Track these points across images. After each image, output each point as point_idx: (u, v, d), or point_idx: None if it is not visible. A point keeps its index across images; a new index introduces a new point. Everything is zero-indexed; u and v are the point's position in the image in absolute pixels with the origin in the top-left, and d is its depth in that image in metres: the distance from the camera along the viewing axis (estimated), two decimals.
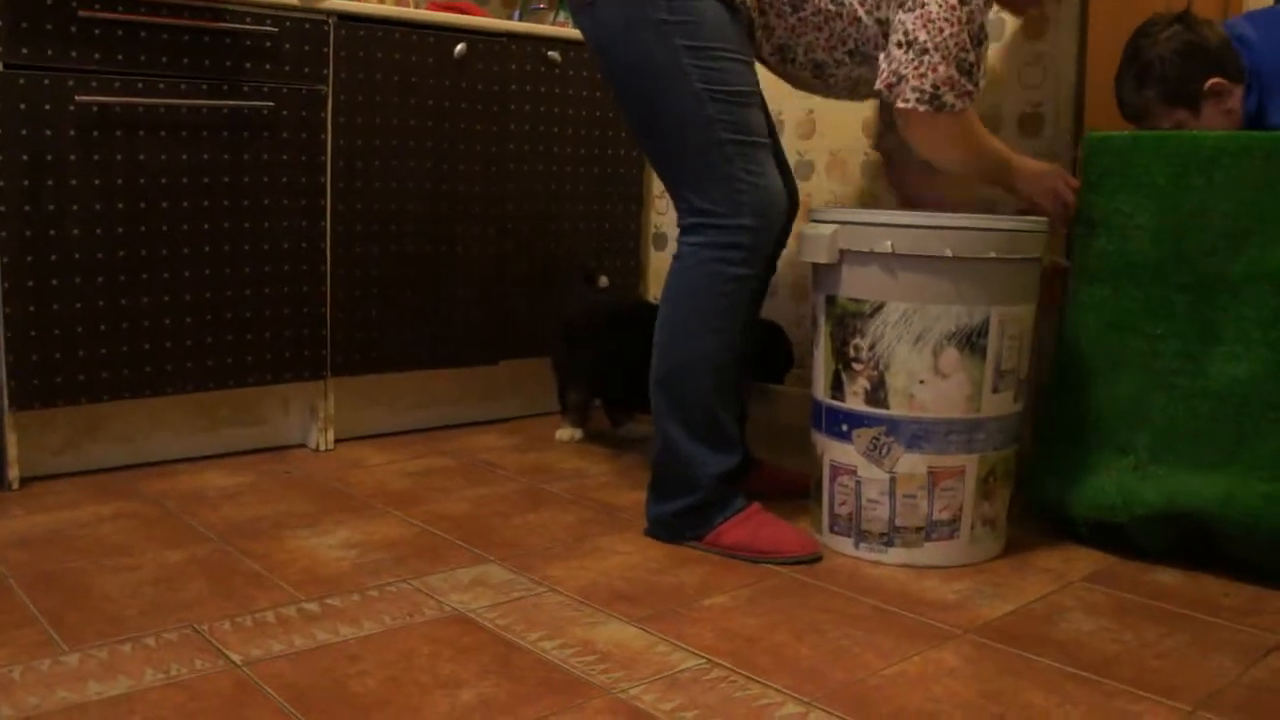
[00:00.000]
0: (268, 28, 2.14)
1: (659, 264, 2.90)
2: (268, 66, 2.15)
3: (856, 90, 1.87)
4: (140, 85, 2.01)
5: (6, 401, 1.96)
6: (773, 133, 1.92)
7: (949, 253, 1.64)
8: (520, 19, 2.82)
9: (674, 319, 1.77)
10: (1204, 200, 1.67)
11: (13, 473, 1.99)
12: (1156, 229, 1.72)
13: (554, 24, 2.83)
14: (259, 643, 1.38)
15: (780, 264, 1.93)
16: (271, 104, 2.16)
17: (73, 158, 1.96)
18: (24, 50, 1.89)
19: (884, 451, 1.71)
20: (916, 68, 1.67)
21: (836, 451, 1.77)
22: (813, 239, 1.73)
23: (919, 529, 1.72)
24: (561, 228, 2.67)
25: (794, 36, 1.78)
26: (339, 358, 2.33)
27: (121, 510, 1.89)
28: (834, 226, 1.71)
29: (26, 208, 1.93)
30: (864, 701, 1.27)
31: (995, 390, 1.70)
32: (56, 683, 1.26)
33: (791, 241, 1.94)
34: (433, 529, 1.85)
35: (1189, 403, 1.70)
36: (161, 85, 2.04)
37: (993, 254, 1.65)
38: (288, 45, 2.17)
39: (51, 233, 1.96)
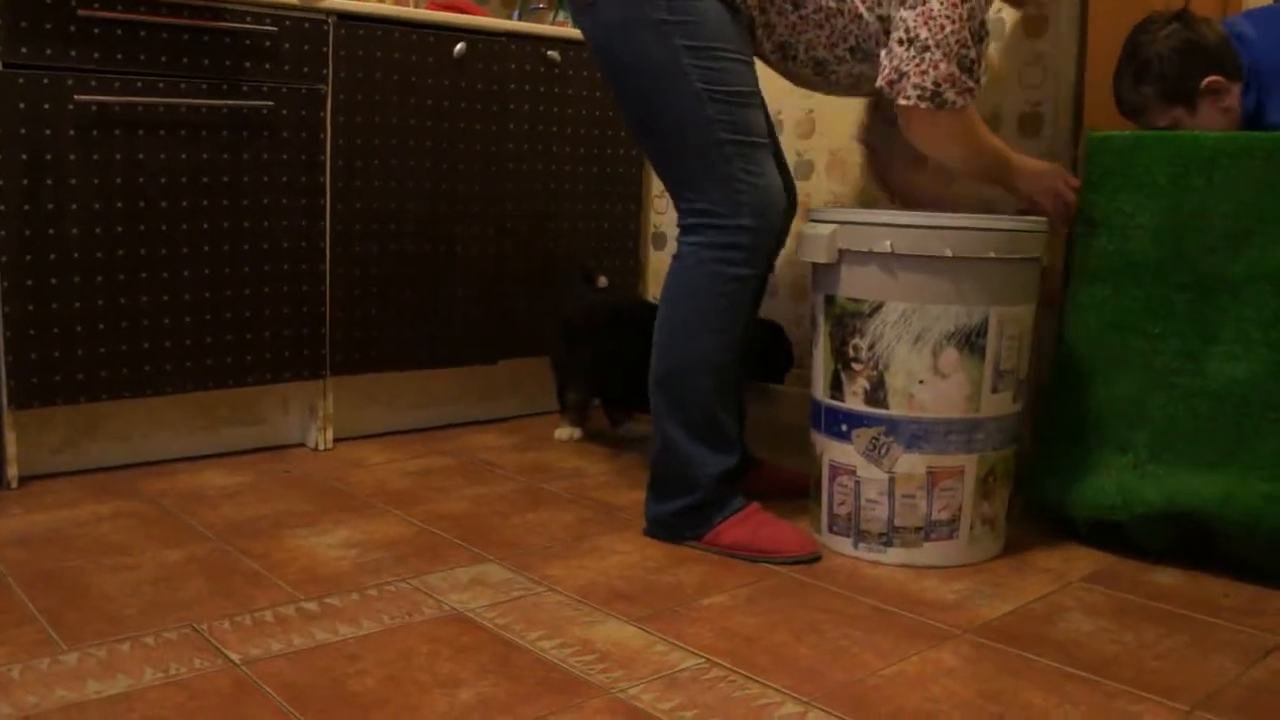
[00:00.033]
0: (267, 27, 2.14)
1: (658, 263, 2.90)
2: (267, 66, 2.15)
3: (858, 87, 1.87)
4: (139, 84, 2.01)
5: (5, 400, 1.96)
6: (771, 133, 1.91)
7: (948, 252, 1.64)
8: (520, 18, 2.82)
9: (673, 319, 1.77)
10: (1204, 200, 1.67)
11: (12, 471, 1.99)
12: (1157, 229, 1.72)
13: (553, 24, 2.83)
14: (258, 642, 1.38)
15: (779, 263, 1.93)
16: (271, 103, 2.16)
17: (72, 157, 1.96)
18: (23, 49, 1.89)
19: (883, 451, 1.71)
20: (918, 65, 1.67)
21: (836, 451, 1.77)
22: (812, 239, 1.73)
23: (918, 529, 1.72)
24: (561, 227, 2.67)
25: (795, 34, 1.78)
26: (338, 357, 2.33)
27: (121, 509, 1.89)
28: (833, 226, 1.71)
29: (26, 207, 1.93)
30: (863, 701, 1.27)
31: (994, 390, 1.70)
32: (55, 681, 1.26)
33: (790, 241, 1.94)
34: (432, 528, 1.85)
35: (1189, 402, 1.70)
36: (161, 85, 2.03)
37: (992, 254, 1.65)
38: (287, 44, 2.17)
39: (51, 232, 1.96)
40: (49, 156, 1.94)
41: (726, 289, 1.73)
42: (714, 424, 1.76)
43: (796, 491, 1.99)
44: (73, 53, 1.94)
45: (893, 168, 2.13)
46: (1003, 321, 1.69)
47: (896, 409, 1.69)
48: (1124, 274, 1.75)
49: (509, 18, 2.78)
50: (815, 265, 1.76)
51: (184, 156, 2.08)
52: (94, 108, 1.97)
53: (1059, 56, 2.15)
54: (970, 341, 1.67)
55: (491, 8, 2.88)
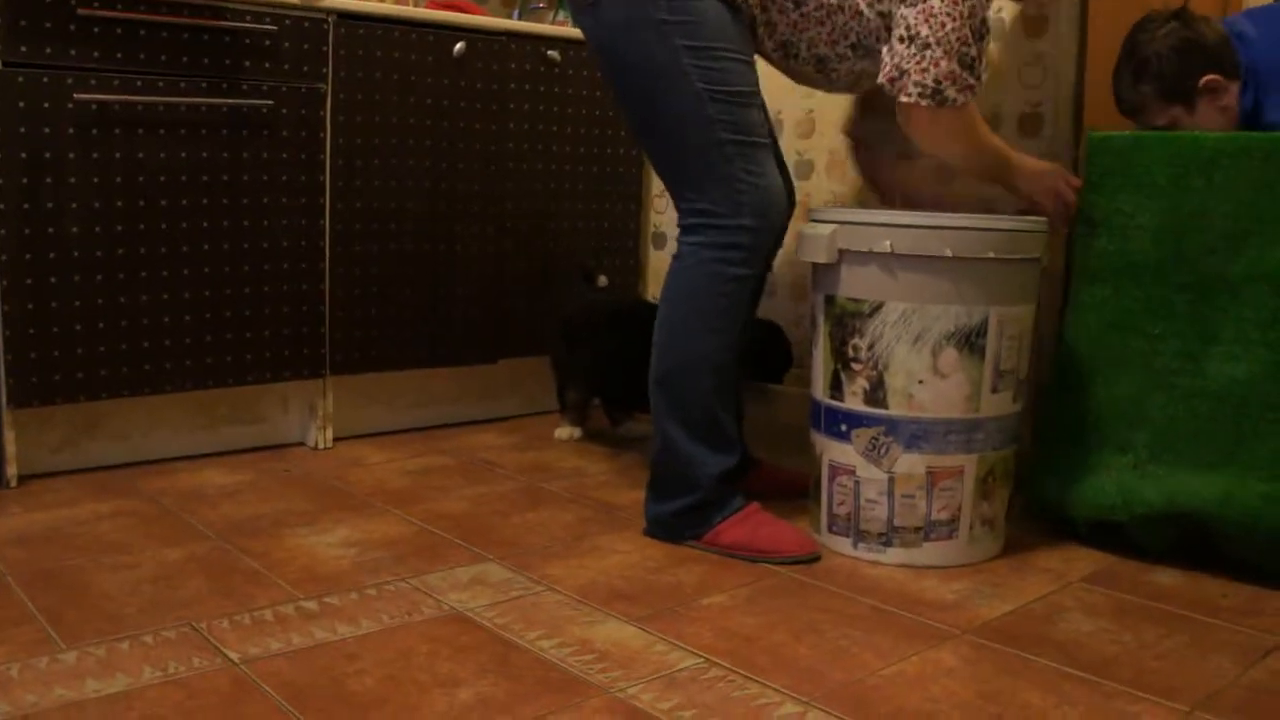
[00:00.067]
0: (267, 26, 2.14)
1: (658, 263, 2.90)
2: (267, 65, 2.15)
3: (859, 84, 1.87)
4: (139, 83, 2.01)
5: (5, 399, 1.96)
6: (771, 133, 1.91)
7: (948, 253, 1.64)
8: (520, 18, 2.82)
9: (673, 319, 1.77)
10: (1204, 201, 1.67)
11: (11, 470, 1.99)
12: (1157, 229, 1.72)
13: (553, 23, 2.83)
14: (257, 641, 1.38)
15: (779, 263, 1.93)
16: (271, 102, 2.16)
17: (71, 156, 1.96)
18: (23, 48, 1.89)
19: (883, 451, 1.71)
20: (918, 62, 1.67)
21: (835, 451, 1.77)
22: (812, 238, 1.73)
23: (917, 529, 1.72)
24: (561, 227, 2.67)
25: (796, 32, 1.78)
26: (338, 356, 2.33)
27: (120, 508, 1.89)
28: (833, 226, 1.71)
29: (25, 206, 1.93)
30: (862, 701, 1.27)
31: (994, 390, 1.70)
32: (54, 680, 1.26)
33: (790, 241, 1.94)
34: (431, 528, 1.85)
35: (1188, 402, 1.70)
36: (160, 83, 2.03)
37: (992, 254, 1.65)
38: (287, 44, 2.17)
39: (50, 231, 1.96)
40: (48, 155, 1.94)
41: (726, 289, 1.73)
42: (714, 424, 1.76)
43: (796, 491, 1.99)
44: (72, 51, 1.94)
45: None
46: (1003, 321, 1.69)
47: (896, 409, 1.69)
48: (1124, 274, 1.75)
49: (509, 17, 2.78)
50: (815, 265, 1.76)
51: (184, 155, 2.08)
52: (93, 106, 1.97)
53: (1059, 56, 2.15)
54: (970, 341, 1.67)
55: (491, 7, 2.88)
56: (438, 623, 1.46)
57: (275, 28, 2.15)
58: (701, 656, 1.38)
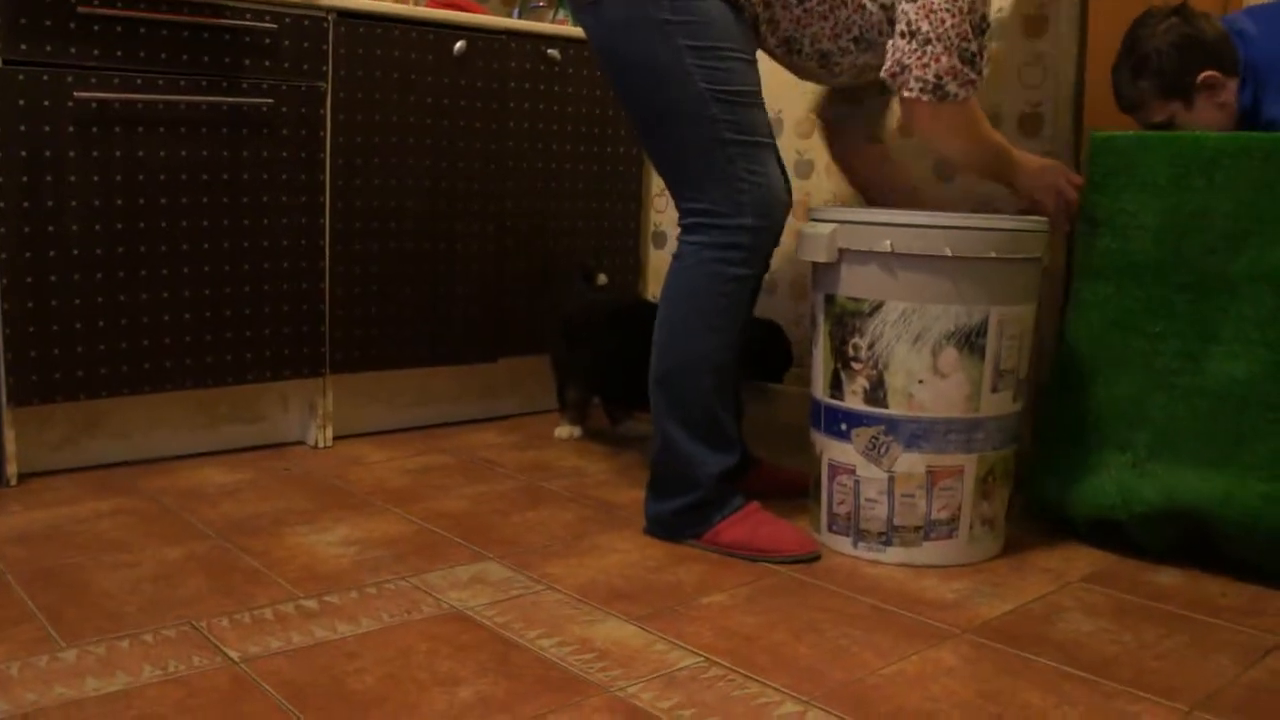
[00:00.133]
0: (267, 24, 2.13)
1: (658, 262, 2.90)
2: (267, 63, 2.15)
3: (862, 77, 1.88)
4: (139, 82, 2.01)
5: (5, 397, 1.96)
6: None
7: (948, 252, 1.64)
8: (520, 17, 2.82)
9: (674, 318, 1.77)
10: (1205, 200, 1.67)
11: (11, 469, 1.99)
12: (1158, 228, 1.72)
13: (553, 22, 2.83)
14: (257, 639, 1.38)
15: (779, 262, 1.93)
16: (270, 101, 2.16)
17: (71, 154, 1.96)
18: (22, 46, 1.89)
19: (883, 451, 1.71)
20: (919, 58, 1.67)
21: (835, 450, 1.77)
22: (812, 238, 1.73)
23: (917, 528, 1.72)
24: (560, 226, 2.67)
25: (800, 28, 1.78)
26: (338, 355, 2.33)
27: (120, 506, 1.89)
28: (833, 225, 1.71)
29: (25, 204, 1.93)
30: (862, 701, 1.27)
31: (994, 390, 1.70)
32: (54, 679, 1.26)
33: (790, 239, 1.94)
34: (431, 526, 1.85)
35: (1189, 402, 1.70)
36: (160, 82, 2.03)
37: (992, 254, 1.65)
38: (287, 42, 2.17)
39: (50, 229, 1.96)
40: (48, 153, 1.94)
41: (727, 289, 1.73)
42: (714, 423, 1.76)
43: (795, 491, 1.99)
44: (72, 50, 1.93)
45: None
46: (1003, 321, 1.69)
47: (896, 408, 1.69)
48: (1125, 273, 1.75)
49: (509, 16, 2.78)
50: (815, 264, 1.76)
51: (184, 154, 2.08)
52: (94, 105, 1.96)
53: (1059, 56, 2.15)
54: (970, 341, 1.67)
55: (491, 6, 2.88)
56: (438, 621, 1.46)
57: (275, 26, 2.14)
58: (701, 655, 1.38)
